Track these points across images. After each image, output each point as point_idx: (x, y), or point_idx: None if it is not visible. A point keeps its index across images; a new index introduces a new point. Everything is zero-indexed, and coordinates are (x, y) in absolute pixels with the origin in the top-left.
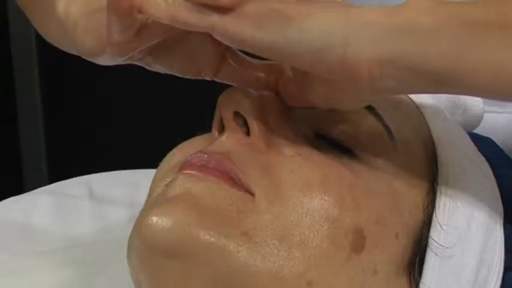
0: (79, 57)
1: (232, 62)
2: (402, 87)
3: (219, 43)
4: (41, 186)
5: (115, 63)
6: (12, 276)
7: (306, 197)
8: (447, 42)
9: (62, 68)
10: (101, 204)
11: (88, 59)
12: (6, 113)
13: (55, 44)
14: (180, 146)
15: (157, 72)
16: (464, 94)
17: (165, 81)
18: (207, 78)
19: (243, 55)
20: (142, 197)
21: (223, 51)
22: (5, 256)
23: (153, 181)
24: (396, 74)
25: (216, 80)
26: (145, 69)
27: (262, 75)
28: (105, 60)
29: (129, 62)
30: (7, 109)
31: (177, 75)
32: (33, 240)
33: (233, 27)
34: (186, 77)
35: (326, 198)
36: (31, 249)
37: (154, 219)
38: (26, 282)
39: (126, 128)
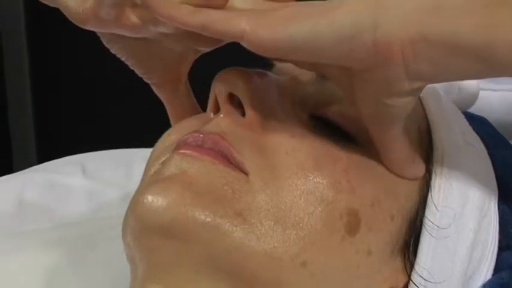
0: (70, 43)
1: (180, 88)
2: (438, 70)
3: (180, 68)
4: (29, 166)
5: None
6: (5, 255)
7: (301, 179)
8: (479, 17)
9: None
10: (94, 182)
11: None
12: None
13: None
14: (175, 125)
15: None
16: (500, 72)
17: None
18: (147, 81)
19: (191, 92)
20: (135, 175)
21: (179, 75)
22: None
23: (149, 160)
24: (430, 53)
25: (153, 89)
26: None
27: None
28: (87, 26)
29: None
30: None
31: (124, 61)
32: (26, 219)
33: (263, 31)
34: (132, 68)
35: (320, 180)
36: (24, 228)
37: (150, 198)
38: (18, 260)
39: (119, 107)
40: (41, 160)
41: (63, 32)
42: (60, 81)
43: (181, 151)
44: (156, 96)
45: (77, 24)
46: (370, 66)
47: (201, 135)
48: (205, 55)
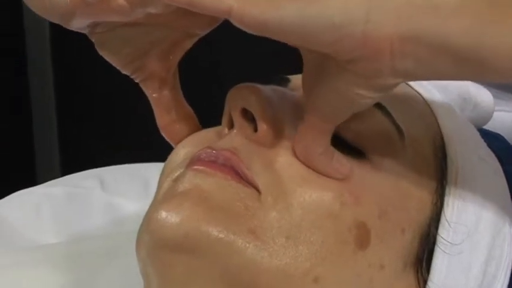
0: (91, 55)
1: (168, 80)
2: (423, 69)
3: (171, 58)
4: (53, 179)
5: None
6: (24, 267)
7: (307, 193)
8: (471, 19)
9: (75, 69)
10: (112, 196)
11: (56, 19)
12: (20, 110)
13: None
14: (188, 139)
15: None
16: (487, 77)
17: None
18: (133, 78)
19: (179, 86)
20: (152, 189)
21: (169, 66)
22: (17, 247)
23: (162, 174)
24: (417, 52)
25: (140, 85)
26: None
27: (172, 112)
28: (76, 19)
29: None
30: (21, 106)
31: (106, 58)
32: (44, 233)
33: (251, 9)
34: (122, 71)
35: (325, 193)
36: (42, 242)
37: (164, 214)
38: (37, 273)
39: (138, 121)
40: (64, 172)
41: (87, 49)
42: (84, 95)
43: (195, 167)
44: None
45: (64, 21)
46: (356, 58)
47: (214, 152)
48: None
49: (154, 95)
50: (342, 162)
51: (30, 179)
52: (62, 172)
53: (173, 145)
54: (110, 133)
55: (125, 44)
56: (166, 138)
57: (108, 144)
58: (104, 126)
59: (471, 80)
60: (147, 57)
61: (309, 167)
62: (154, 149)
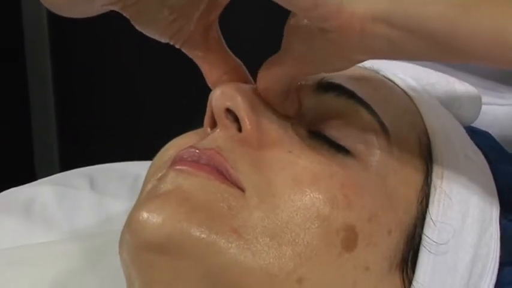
0: (90, 48)
1: (211, 36)
2: (392, 50)
3: (207, 13)
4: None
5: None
6: (13, 266)
7: (297, 195)
8: (447, 3)
9: (73, 64)
10: (101, 195)
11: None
12: (19, 108)
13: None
14: (174, 140)
15: (166, 67)
16: (460, 60)
17: (173, 76)
18: (173, 43)
19: (222, 41)
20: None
21: (209, 22)
22: (5, 247)
23: (147, 175)
24: (389, 34)
25: (182, 49)
26: (154, 61)
27: (220, 66)
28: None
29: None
30: (20, 105)
31: (143, 31)
32: (33, 231)
33: None
34: (153, 36)
35: (317, 196)
36: (31, 241)
37: (145, 215)
38: (25, 272)
39: (138, 118)
40: (63, 170)
41: (86, 44)
42: (83, 92)
43: (177, 167)
44: (171, 111)
45: None
46: (328, 28)
47: (197, 151)
48: None
49: (199, 54)
50: (293, 104)
51: (30, 178)
52: (61, 170)
53: None
54: (109, 130)
55: (161, 7)
56: None
57: (107, 142)
58: (104, 123)
59: (441, 61)
60: (187, 18)
61: (263, 95)
62: (155, 146)
